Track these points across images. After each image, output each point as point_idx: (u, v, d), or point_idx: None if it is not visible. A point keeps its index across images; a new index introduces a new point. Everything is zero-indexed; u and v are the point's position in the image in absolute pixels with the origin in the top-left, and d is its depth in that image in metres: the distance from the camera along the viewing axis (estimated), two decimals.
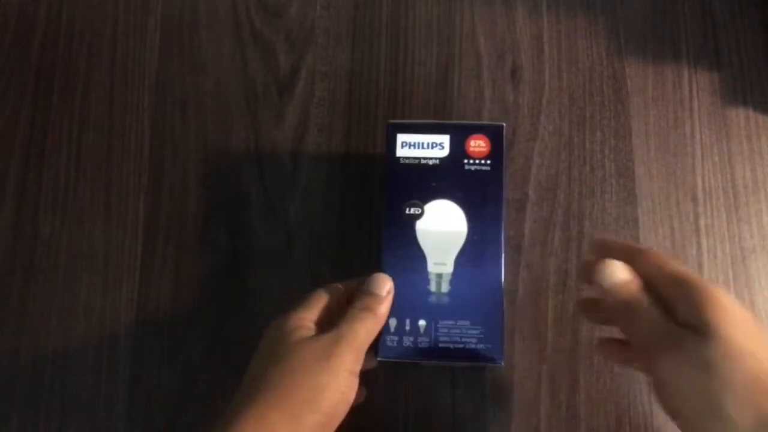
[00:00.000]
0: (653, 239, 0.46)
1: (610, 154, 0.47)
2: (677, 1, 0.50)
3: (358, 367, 0.35)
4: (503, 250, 0.39)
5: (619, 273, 0.34)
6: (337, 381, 0.34)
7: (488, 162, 0.40)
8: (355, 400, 0.37)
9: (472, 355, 0.38)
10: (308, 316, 0.37)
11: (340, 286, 0.39)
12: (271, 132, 0.48)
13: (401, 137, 0.40)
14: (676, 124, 0.48)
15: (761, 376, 0.29)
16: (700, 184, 0.47)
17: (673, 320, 0.32)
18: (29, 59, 0.49)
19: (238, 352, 0.44)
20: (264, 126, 0.48)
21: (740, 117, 0.48)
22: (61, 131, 0.48)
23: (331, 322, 0.37)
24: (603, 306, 0.37)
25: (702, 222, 0.46)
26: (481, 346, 0.38)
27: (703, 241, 0.46)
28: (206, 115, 0.48)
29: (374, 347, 0.37)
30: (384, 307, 0.37)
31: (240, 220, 0.46)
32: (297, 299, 0.37)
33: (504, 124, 0.40)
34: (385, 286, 0.38)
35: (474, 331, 0.38)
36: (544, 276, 0.45)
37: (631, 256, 0.35)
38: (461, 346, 0.38)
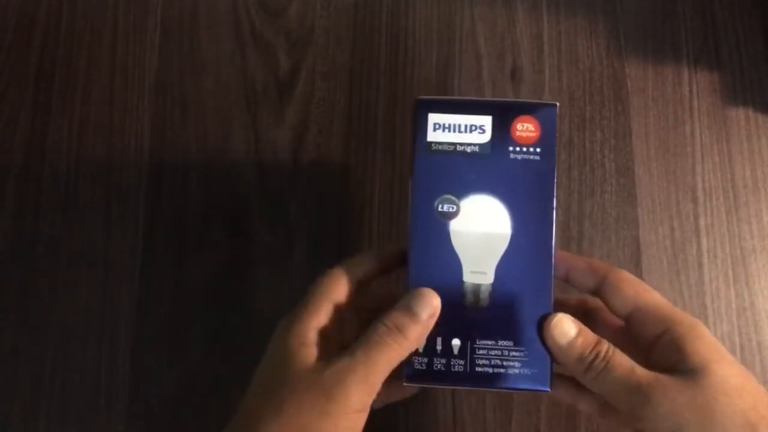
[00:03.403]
0: (653, 239, 0.46)
1: (610, 154, 0.47)
2: (677, 1, 0.50)
3: (370, 401, 0.30)
4: (554, 257, 0.33)
5: (566, 329, 0.31)
6: (338, 426, 0.29)
7: (537, 150, 0.33)
8: (391, 396, 0.35)
9: (514, 381, 0.32)
10: (314, 322, 0.31)
11: (349, 277, 0.33)
12: (271, 132, 0.48)
13: (433, 118, 0.34)
14: (676, 124, 0.48)
15: (760, 410, 0.28)
16: (700, 184, 0.47)
17: (645, 361, 0.31)
18: (29, 59, 0.49)
19: (238, 352, 0.44)
20: (264, 126, 0.48)
21: (740, 117, 0.48)
22: (61, 131, 0.48)
23: (346, 320, 0.32)
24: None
25: (702, 222, 0.46)
26: (525, 371, 0.32)
27: (703, 241, 0.46)
28: (206, 115, 0.48)
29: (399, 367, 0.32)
30: (420, 331, 0.31)
31: (240, 220, 0.46)
32: (306, 290, 0.33)
33: (557, 104, 0.34)
34: (428, 306, 0.31)
35: (517, 354, 0.32)
36: None
37: (597, 285, 0.33)
38: (502, 371, 0.32)
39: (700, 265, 0.46)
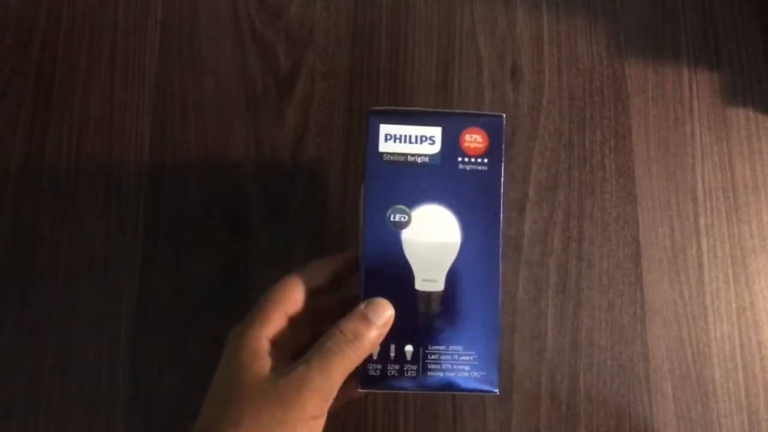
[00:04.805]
0: (653, 239, 0.46)
1: (610, 154, 0.47)
2: (677, 1, 0.50)
3: (327, 406, 0.31)
4: (501, 264, 0.35)
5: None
6: None
7: (485, 161, 0.35)
8: (347, 397, 0.35)
9: (465, 384, 0.34)
10: (266, 331, 0.32)
11: (302, 284, 0.34)
12: (271, 132, 0.48)
13: (385, 129, 0.35)
14: (676, 124, 0.48)
15: None
16: (700, 184, 0.47)
17: None
18: (29, 59, 0.49)
19: None
20: (264, 126, 0.48)
21: (740, 117, 0.48)
22: (61, 131, 0.48)
23: (298, 328, 0.33)
24: None
25: (702, 222, 0.46)
26: (475, 374, 0.34)
27: (703, 241, 0.46)
28: (206, 115, 0.48)
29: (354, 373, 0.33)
30: (375, 337, 0.32)
31: (240, 220, 0.46)
32: (258, 299, 0.34)
33: (503, 115, 0.35)
34: (384, 314, 0.32)
35: (467, 357, 0.34)
36: (544, 276, 0.45)
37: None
38: (453, 374, 0.34)
39: (700, 265, 0.46)
